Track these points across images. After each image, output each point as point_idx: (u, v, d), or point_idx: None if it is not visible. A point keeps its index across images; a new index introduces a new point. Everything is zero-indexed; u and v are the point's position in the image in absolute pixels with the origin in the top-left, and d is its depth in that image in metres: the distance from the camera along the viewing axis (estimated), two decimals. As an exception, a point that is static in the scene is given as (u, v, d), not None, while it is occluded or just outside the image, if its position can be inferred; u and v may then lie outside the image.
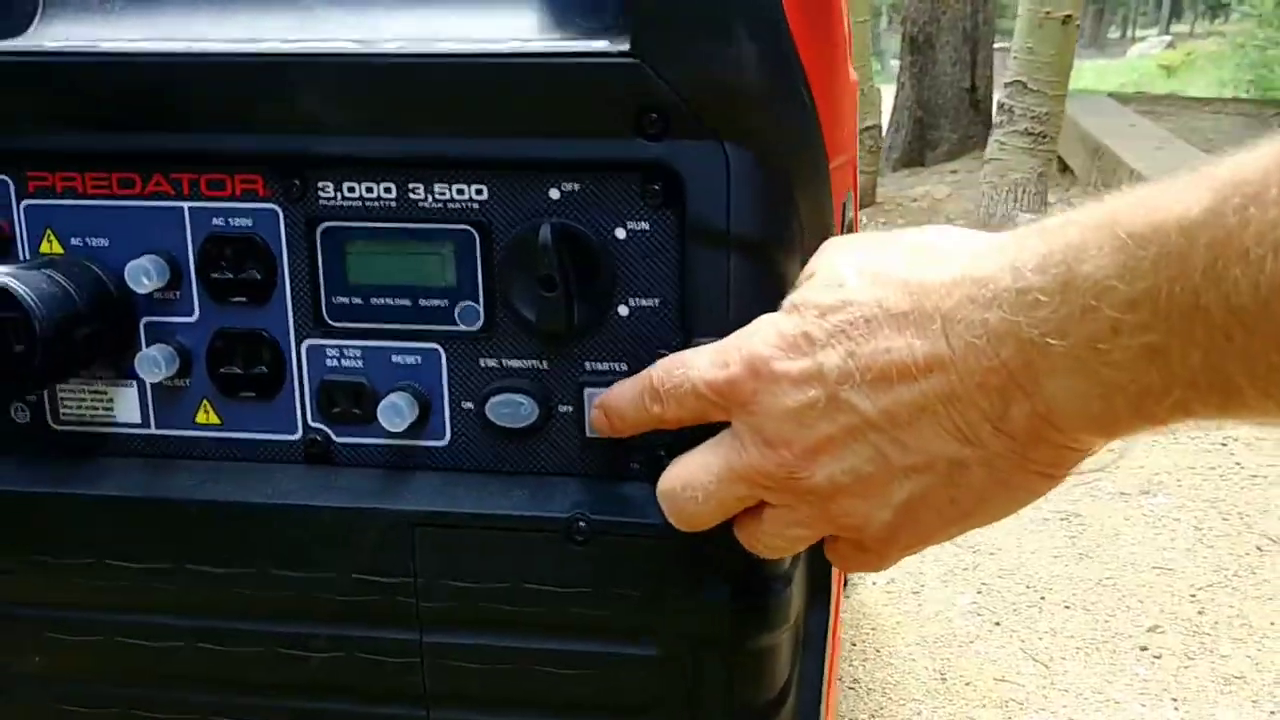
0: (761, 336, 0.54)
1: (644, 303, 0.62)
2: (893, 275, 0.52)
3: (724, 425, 0.57)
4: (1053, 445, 0.49)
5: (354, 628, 0.66)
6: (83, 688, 0.70)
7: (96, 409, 0.68)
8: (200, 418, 0.67)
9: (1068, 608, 1.22)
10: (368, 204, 0.63)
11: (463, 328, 0.63)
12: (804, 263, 0.61)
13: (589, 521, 0.63)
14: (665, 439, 0.63)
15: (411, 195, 0.62)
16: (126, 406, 0.67)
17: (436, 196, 0.62)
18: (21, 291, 0.59)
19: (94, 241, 0.65)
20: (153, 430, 0.68)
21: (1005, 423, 0.49)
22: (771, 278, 0.60)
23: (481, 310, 0.63)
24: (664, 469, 0.62)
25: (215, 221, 0.64)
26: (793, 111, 0.59)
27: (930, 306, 0.49)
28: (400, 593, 0.65)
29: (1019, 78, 3.90)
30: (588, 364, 0.63)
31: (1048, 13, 3.78)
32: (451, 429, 0.65)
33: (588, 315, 0.62)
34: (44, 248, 0.66)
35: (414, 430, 0.65)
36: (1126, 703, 1.05)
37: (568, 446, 0.64)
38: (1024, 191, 3.92)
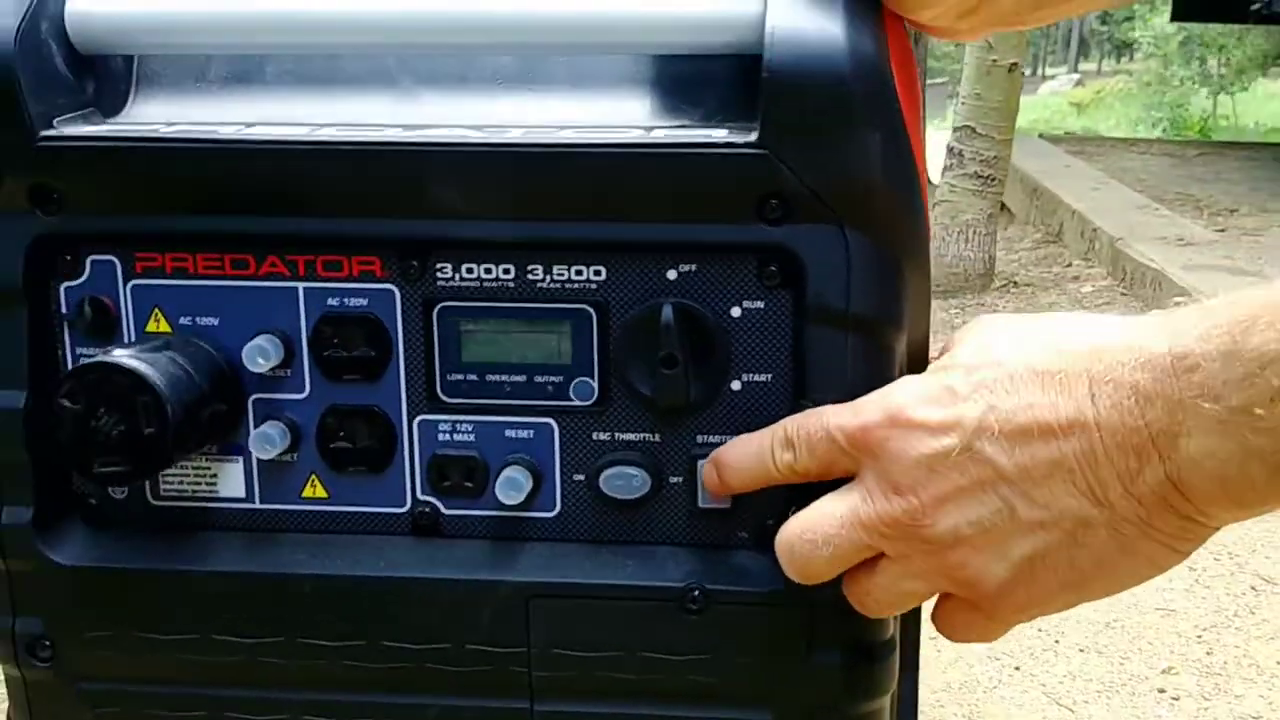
0: (902, 389, 0.57)
1: (757, 378, 0.64)
2: (1042, 339, 0.54)
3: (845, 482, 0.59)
4: (1179, 515, 0.52)
5: (466, 698, 0.67)
6: (184, 765, 0.70)
7: (199, 484, 0.68)
8: (307, 492, 0.68)
9: (1082, 651, 1.26)
10: (486, 285, 0.64)
11: (577, 403, 0.65)
12: (912, 336, 0.64)
13: (703, 590, 0.64)
14: (773, 509, 0.65)
15: (530, 276, 0.64)
16: (231, 482, 0.68)
17: (555, 277, 0.64)
18: (152, 375, 0.59)
19: (203, 321, 0.66)
20: (257, 505, 0.68)
21: (1136, 485, 0.51)
22: (884, 352, 0.62)
23: (596, 385, 0.65)
24: (772, 538, 0.64)
25: (330, 301, 0.65)
26: (907, 196, 0.61)
27: (1079, 368, 0.52)
28: (514, 663, 0.66)
29: (968, 123, 4.01)
30: (699, 437, 0.65)
31: (994, 60, 3.90)
32: (562, 500, 0.66)
33: (702, 390, 0.64)
34: (150, 326, 0.66)
35: (524, 502, 0.66)
36: (1154, 745, 1.08)
37: (677, 517, 0.66)
38: (975, 232, 4.02)
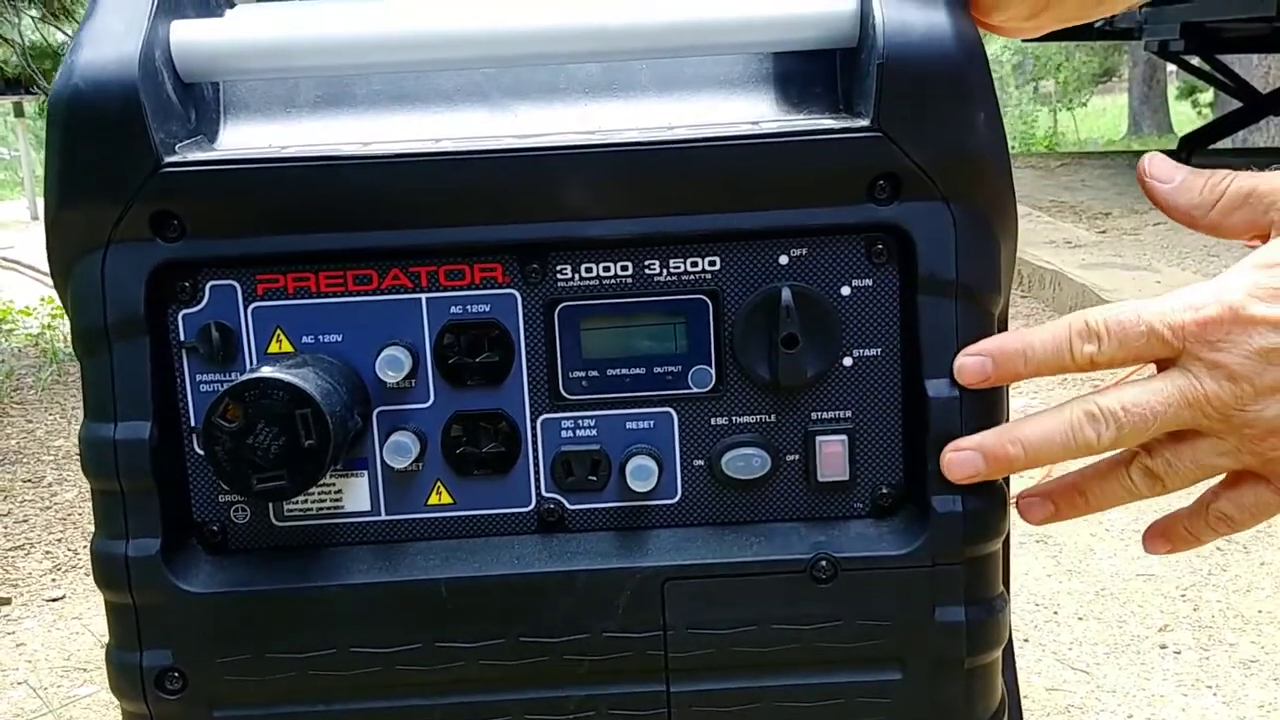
0: (1237, 286, 0.62)
1: (867, 353, 0.68)
2: None
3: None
4: None
5: (603, 686, 0.69)
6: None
7: (324, 501, 0.69)
8: (433, 499, 0.69)
9: (1081, 619, 1.32)
10: (605, 282, 0.67)
11: (695, 390, 0.68)
12: (1007, 300, 0.69)
13: (830, 560, 0.67)
14: (888, 479, 0.69)
15: (647, 271, 0.67)
16: (356, 496, 0.69)
17: (671, 270, 0.67)
18: (310, 389, 0.60)
19: (326, 338, 0.67)
20: (383, 516, 0.69)
21: None
22: (986, 316, 0.67)
23: (713, 372, 0.68)
24: (886, 508, 0.68)
25: (453, 309, 0.67)
26: (1002, 170, 0.66)
27: None
28: (650, 646, 0.68)
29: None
30: (814, 414, 0.68)
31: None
32: (683, 486, 0.69)
33: (817, 368, 0.67)
34: (272, 348, 0.67)
35: (650, 490, 0.68)
36: (1170, 695, 1.15)
37: (796, 493, 0.69)
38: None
